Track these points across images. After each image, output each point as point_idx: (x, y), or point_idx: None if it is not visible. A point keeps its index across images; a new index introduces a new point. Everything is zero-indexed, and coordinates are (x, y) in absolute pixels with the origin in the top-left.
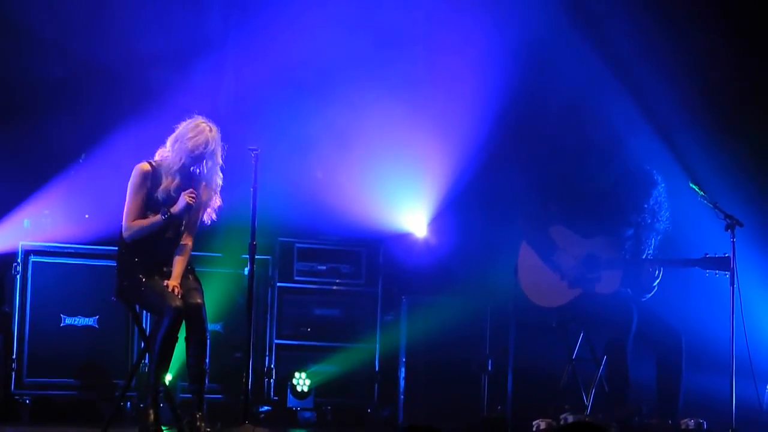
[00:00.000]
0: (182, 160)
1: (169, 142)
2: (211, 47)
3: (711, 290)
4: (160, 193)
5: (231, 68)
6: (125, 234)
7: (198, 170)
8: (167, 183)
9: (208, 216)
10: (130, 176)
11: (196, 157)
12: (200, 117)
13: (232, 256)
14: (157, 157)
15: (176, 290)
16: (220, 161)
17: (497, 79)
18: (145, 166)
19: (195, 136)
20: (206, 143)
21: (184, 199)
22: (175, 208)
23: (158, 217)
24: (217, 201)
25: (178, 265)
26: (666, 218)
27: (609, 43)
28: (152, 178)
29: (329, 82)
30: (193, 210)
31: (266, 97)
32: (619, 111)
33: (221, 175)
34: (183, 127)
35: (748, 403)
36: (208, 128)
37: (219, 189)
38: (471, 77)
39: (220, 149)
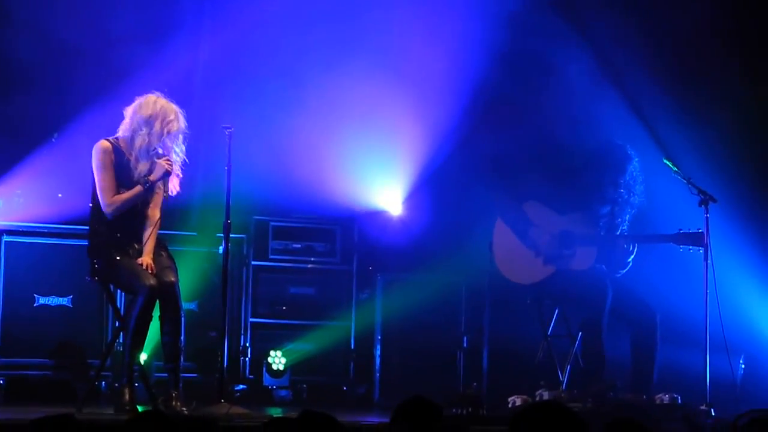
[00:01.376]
0: (161, 142)
1: (137, 121)
2: (184, 25)
3: (685, 266)
4: (136, 175)
5: (204, 46)
6: (108, 210)
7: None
8: (141, 167)
9: (173, 187)
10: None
11: (176, 137)
12: (160, 95)
13: (206, 235)
14: (120, 134)
15: (149, 266)
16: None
17: (473, 55)
18: (104, 143)
19: (174, 119)
20: (182, 126)
21: (162, 166)
22: (154, 176)
23: (139, 188)
24: (178, 171)
25: (150, 240)
26: (641, 193)
27: (585, 16)
28: (114, 153)
29: (303, 59)
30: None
31: (240, 75)
32: (594, 86)
33: (183, 146)
34: (150, 106)
35: (722, 378)
36: (177, 108)
37: (181, 159)
38: (446, 53)
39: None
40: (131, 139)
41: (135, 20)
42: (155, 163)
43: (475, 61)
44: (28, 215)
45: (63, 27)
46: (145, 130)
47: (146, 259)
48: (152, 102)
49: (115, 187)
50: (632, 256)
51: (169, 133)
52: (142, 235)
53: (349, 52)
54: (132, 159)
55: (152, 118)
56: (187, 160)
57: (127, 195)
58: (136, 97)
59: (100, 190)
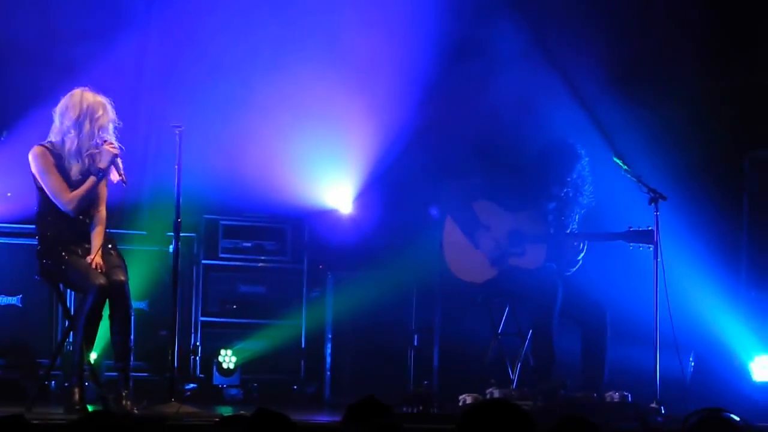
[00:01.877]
0: (98, 139)
1: (66, 123)
2: (132, 22)
3: (635, 264)
4: (75, 175)
5: (153, 44)
6: (69, 208)
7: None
8: (76, 168)
9: (121, 173)
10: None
11: (107, 129)
12: (84, 90)
13: (156, 234)
14: (51, 138)
15: (98, 265)
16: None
17: (423, 54)
18: (40, 147)
19: (102, 113)
20: (113, 116)
21: (108, 151)
22: (104, 164)
23: (92, 179)
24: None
25: (96, 237)
26: (589, 192)
27: (535, 14)
28: (53, 156)
29: (253, 57)
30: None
31: (189, 74)
32: (543, 83)
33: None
34: (77, 106)
35: (672, 376)
36: (102, 98)
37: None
38: (396, 51)
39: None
40: (62, 142)
41: (83, 18)
42: (100, 152)
43: (424, 59)
44: None
45: (8, 24)
46: (74, 133)
47: (95, 257)
48: (77, 102)
49: (66, 187)
50: (582, 254)
51: (100, 129)
52: (91, 234)
53: (298, 50)
54: (66, 162)
55: (80, 118)
56: (123, 148)
57: (82, 189)
58: (62, 97)
59: (54, 193)
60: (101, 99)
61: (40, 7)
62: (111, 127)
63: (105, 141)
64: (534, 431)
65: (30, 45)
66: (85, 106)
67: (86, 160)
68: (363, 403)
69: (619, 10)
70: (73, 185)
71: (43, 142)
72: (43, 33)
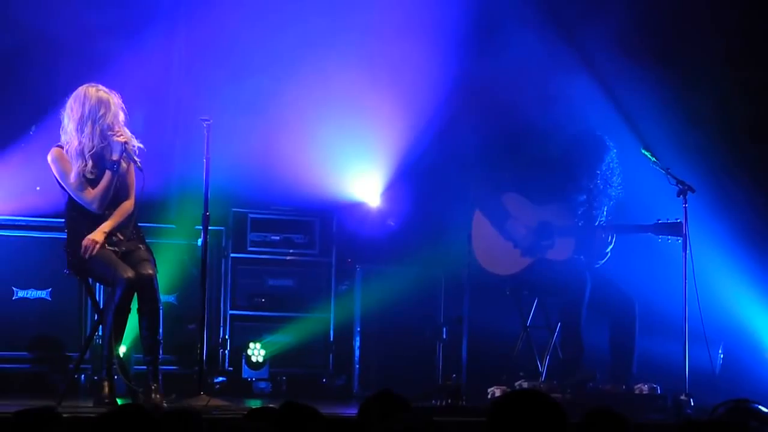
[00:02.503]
0: (101, 140)
1: (70, 125)
2: (162, 16)
3: (663, 256)
4: (87, 174)
5: (182, 38)
6: (93, 207)
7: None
8: (81, 166)
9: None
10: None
11: (111, 127)
12: (88, 86)
13: (185, 227)
14: (63, 139)
15: (90, 241)
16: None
17: (452, 45)
18: (57, 150)
19: (105, 112)
20: (116, 112)
21: (117, 142)
22: (115, 155)
23: (108, 174)
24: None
25: (112, 218)
26: (618, 184)
27: (561, 7)
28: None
29: (281, 50)
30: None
31: (218, 67)
32: (573, 76)
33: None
34: (81, 107)
35: (701, 368)
36: (106, 95)
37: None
38: (425, 44)
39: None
40: (69, 143)
41: (113, 11)
42: (110, 144)
43: (453, 51)
44: (5, 208)
45: (39, 18)
46: (78, 133)
47: (96, 235)
48: (80, 103)
49: (85, 185)
50: (611, 247)
51: (105, 127)
52: (120, 226)
53: (327, 44)
54: (78, 161)
55: (83, 119)
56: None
57: (101, 186)
58: (67, 99)
59: (76, 195)
60: (105, 96)
61: (71, 1)
62: (120, 118)
63: (114, 132)
64: (564, 422)
65: (59, 38)
66: (87, 107)
67: (90, 159)
68: (379, 397)
69: (651, 4)
70: (89, 183)
71: (59, 143)
72: (72, 26)
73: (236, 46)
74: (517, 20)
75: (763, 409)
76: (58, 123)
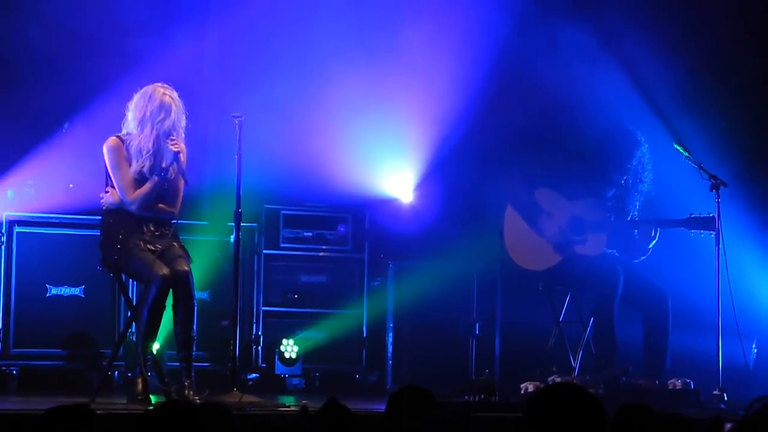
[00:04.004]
0: (157, 143)
1: (132, 122)
2: (194, 13)
3: (696, 250)
4: (132, 173)
5: (214, 34)
6: (132, 207)
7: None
8: (139, 164)
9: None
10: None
11: (169, 133)
12: (156, 86)
13: (218, 224)
14: (124, 131)
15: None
16: (183, 113)
17: (483, 40)
18: (114, 140)
19: (164, 117)
20: (177, 117)
21: (170, 149)
22: (166, 163)
23: (155, 179)
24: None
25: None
26: (648, 180)
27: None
28: (126, 150)
29: (312, 46)
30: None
31: (249, 64)
32: (604, 70)
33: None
34: (145, 106)
35: (735, 363)
36: (171, 100)
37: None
38: (457, 38)
39: (181, 103)
40: (130, 136)
41: (145, 9)
42: (162, 151)
43: (486, 46)
44: (39, 206)
45: (73, 16)
46: (138, 131)
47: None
48: (146, 102)
49: (133, 183)
50: (654, 242)
51: (163, 132)
52: (155, 225)
53: (358, 39)
54: (131, 157)
55: (144, 119)
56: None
57: (144, 189)
58: (134, 93)
59: (120, 189)
60: (168, 101)
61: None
62: (182, 125)
63: (170, 140)
64: (603, 415)
65: (92, 36)
66: (150, 108)
67: (148, 161)
68: (405, 391)
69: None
70: (143, 179)
71: (118, 134)
72: (105, 24)
73: (267, 42)
74: (550, 15)
75: None
76: (91, 121)
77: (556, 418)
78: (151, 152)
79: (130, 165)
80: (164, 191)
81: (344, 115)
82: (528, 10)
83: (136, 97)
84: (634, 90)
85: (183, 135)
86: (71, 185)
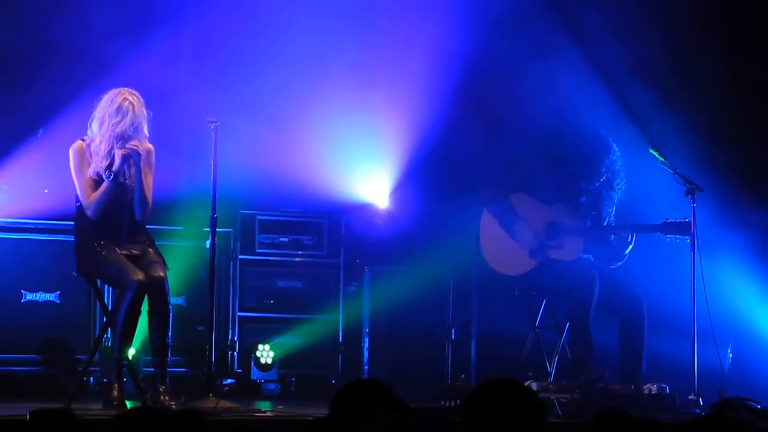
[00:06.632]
0: (110, 145)
1: (95, 123)
2: (168, 18)
3: (672, 255)
4: (90, 173)
5: (189, 40)
6: (89, 212)
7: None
8: (97, 165)
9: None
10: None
11: (125, 137)
12: (121, 90)
13: (193, 230)
14: (89, 132)
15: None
16: (145, 119)
17: (457, 45)
18: (78, 144)
19: (120, 120)
20: (132, 122)
21: (119, 153)
22: (115, 166)
23: (105, 183)
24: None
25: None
26: (621, 187)
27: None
28: (89, 153)
29: (287, 52)
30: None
31: (225, 69)
32: (579, 75)
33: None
34: (105, 108)
35: (710, 368)
36: (130, 105)
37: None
38: (432, 42)
39: (143, 110)
40: (93, 140)
41: (119, 13)
42: (116, 154)
43: (460, 51)
44: (14, 211)
45: (47, 21)
46: (97, 132)
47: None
48: (107, 104)
49: (91, 188)
50: (630, 248)
51: (117, 134)
52: (131, 229)
53: (334, 44)
54: (93, 159)
55: (103, 120)
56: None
57: (97, 193)
58: (102, 95)
59: (79, 193)
60: (128, 105)
61: (78, 3)
62: (142, 129)
63: (125, 144)
64: (542, 410)
65: (67, 41)
66: (109, 109)
67: (104, 161)
68: (350, 388)
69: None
70: (93, 184)
71: (83, 137)
72: (80, 29)
73: (243, 48)
74: (524, 19)
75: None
76: (66, 126)
77: (493, 414)
78: (105, 153)
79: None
80: (127, 197)
81: (320, 120)
82: (503, 15)
83: (102, 99)
84: (610, 94)
85: (145, 140)
86: (46, 191)
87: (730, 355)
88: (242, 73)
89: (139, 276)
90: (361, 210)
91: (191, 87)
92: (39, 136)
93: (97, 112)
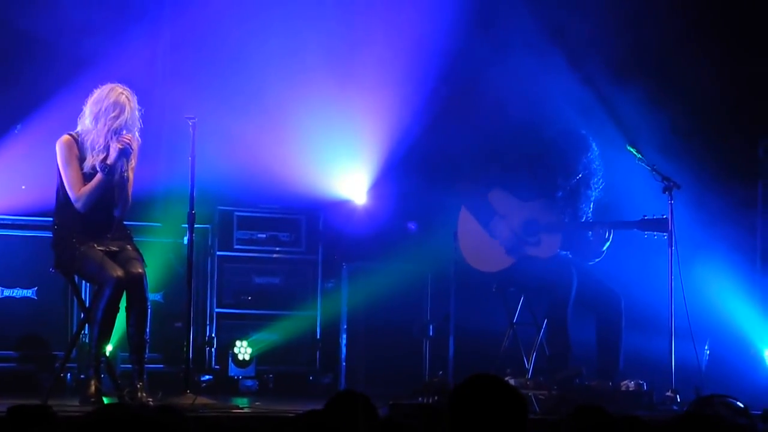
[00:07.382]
0: (107, 139)
1: (88, 118)
2: (145, 14)
3: (649, 252)
4: (86, 168)
5: (167, 36)
6: (78, 205)
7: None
8: (92, 159)
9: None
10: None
11: (120, 131)
12: (115, 86)
13: (171, 226)
14: (78, 128)
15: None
16: (138, 116)
17: (435, 42)
18: (66, 137)
19: (117, 115)
20: (129, 117)
21: (115, 146)
22: (110, 159)
23: (99, 176)
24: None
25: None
26: (599, 186)
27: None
28: (77, 148)
29: (265, 48)
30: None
31: (202, 65)
32: (558, 72)
33: (140, 122)
34: (100, 102)
35: (688, 364)
36: (126, 99)
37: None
38: (409, 40)
39: (137, 105)
40: (86, 134)
41: (95, 10)
42: (111, 148)
43: (439, 48)
44: None
45: (23, 17)
46: (92, 126)
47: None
48: (102, 97)
49: (81, 181)
50: (607, 244)
51: (114, 129)
52: (111, 225)
53: (310, 40)
54: (89, 153)
55: (98, 114)
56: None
57: (89, 185)
58: (95, 90)
59: (68, 186)
60: (125, 100)
61: (52, 0)
62: (135, 127)
63: (120, 138)
64: (525, 407)
65: (44, 37)
66: (105, 104)
67: (100, 155)
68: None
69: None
70: (85, 178)
71: (72, 132)
72: (57, 25)
73: (221, 44)
74: (504, 18)
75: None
76: (43, 122)
77: (477, 411)
78: (101, 147)
79: (81, 162)
80: (110, 192)
81: (298, 116)
82: (483, 15)
83: (95, 94)
84: (588, 91)
85: (137, 137)
86: (23, 187)
87: (707, 352)
88: (220, 69)
89: (118, 272)
90: (339, 206)
91: (169, 83)
92: (16, 132)
93: (91, 107)
